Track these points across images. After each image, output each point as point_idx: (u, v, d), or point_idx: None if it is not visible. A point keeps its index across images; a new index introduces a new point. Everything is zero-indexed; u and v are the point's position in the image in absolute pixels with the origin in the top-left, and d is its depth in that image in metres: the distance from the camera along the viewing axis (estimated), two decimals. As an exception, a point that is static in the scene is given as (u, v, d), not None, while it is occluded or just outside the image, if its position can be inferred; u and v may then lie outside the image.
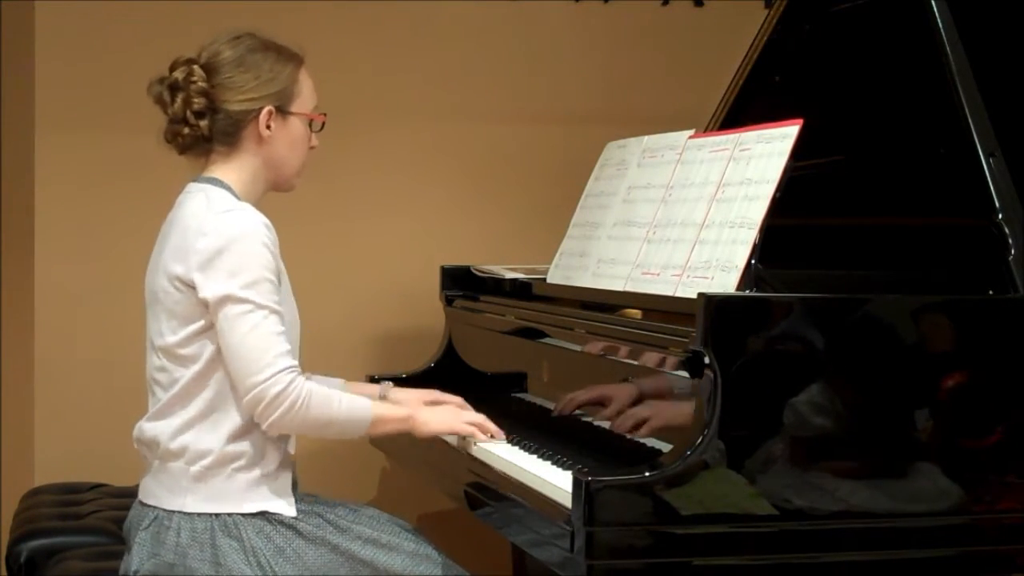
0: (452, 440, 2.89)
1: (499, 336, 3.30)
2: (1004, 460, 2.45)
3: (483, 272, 3.53)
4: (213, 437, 2.57)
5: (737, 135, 2.70)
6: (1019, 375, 2.47)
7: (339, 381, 2.95)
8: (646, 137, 3.06)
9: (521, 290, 3.32)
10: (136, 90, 3.73)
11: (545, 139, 4.04)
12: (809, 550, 2.36)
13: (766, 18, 3.32)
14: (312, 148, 2.74)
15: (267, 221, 2.57)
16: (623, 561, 2.28)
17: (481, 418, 2.81)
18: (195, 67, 2.63)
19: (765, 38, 3.29)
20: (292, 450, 2.67)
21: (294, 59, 2.70)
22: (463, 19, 4.01)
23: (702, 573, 2.32)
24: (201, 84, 2.61)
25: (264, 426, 2.54)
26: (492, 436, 2.79)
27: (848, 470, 2.38)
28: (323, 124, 2.74)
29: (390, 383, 3.01)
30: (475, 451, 2.80)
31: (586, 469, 2.47)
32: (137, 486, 2.70)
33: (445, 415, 2.80)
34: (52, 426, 3.78)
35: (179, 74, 2.63)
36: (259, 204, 2.67)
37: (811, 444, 2.36)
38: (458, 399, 2.92)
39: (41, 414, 3.79)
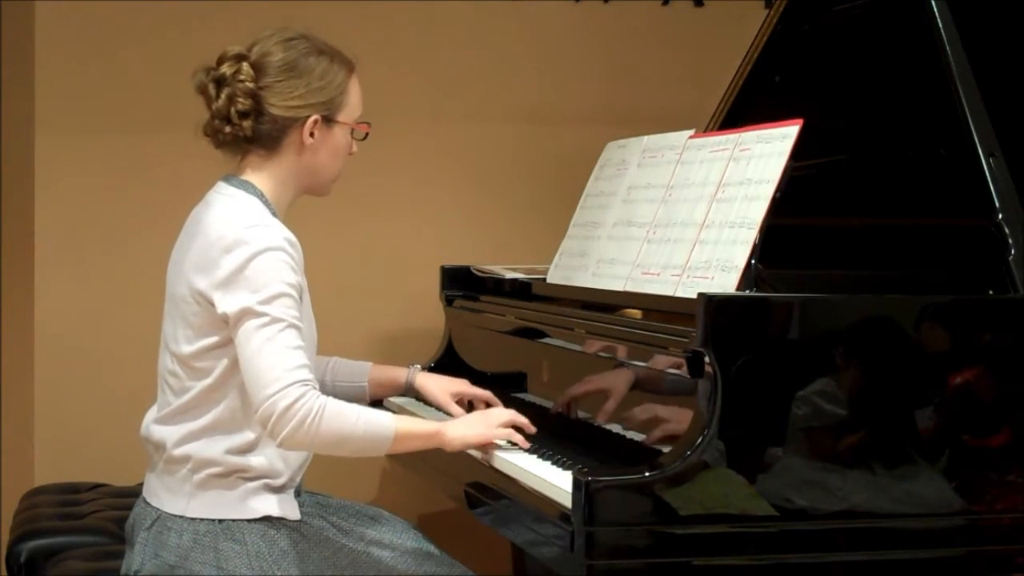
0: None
1: (499, 336, 3.29)
2: (1004, 460, 2.45)
3: (483, 272, 3.53)
4: (220, 449, 2.52)
5: (737, 135, 2.70)
6: (1019, 375, 2.47)
7: (367, 365, 2.91)
8: (646, 137, 3.06)
9: (521, 290, 3.32)
10: (136, 90, 3.78)
11: (545, 139, 4.04)
12: (809, 550, 2.36)
13: (766, 18, 3.32)
14: (351, 155, 2.67)
15: (292, 238, 2.51)
16: (623, 561, 2.28)
17: (512, 414, 2.68)
18: (244, 64, 2.54)
19: (765, 38, 3.29)
20: (306, 464, 2.62)
21: (346, 65, 2.63)
22: (463, 19, 4.00)
23: (702, 573, 2.32)
24: (249, 84, 2.53)
25: (276, 442, 2.44)
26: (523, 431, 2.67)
27: (848, 470, 2.37)
28: (366, 134, 2.68)
29: (418, 366, 2.94)
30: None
31: (586, 469, 2.46)
32: (139, 485, 2.69)
33: (477, 426, 2.64)
34: (52, 426, 3.78)
35: (227, 69, 2.54)
36: (289, 209, 2.64)
37: (811, 444, 2.36)
38: (487, 393, 2.85)
39: (41, 414, 3.78)
